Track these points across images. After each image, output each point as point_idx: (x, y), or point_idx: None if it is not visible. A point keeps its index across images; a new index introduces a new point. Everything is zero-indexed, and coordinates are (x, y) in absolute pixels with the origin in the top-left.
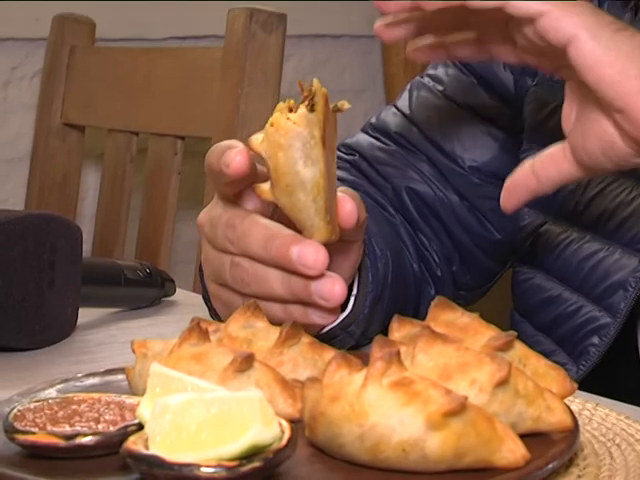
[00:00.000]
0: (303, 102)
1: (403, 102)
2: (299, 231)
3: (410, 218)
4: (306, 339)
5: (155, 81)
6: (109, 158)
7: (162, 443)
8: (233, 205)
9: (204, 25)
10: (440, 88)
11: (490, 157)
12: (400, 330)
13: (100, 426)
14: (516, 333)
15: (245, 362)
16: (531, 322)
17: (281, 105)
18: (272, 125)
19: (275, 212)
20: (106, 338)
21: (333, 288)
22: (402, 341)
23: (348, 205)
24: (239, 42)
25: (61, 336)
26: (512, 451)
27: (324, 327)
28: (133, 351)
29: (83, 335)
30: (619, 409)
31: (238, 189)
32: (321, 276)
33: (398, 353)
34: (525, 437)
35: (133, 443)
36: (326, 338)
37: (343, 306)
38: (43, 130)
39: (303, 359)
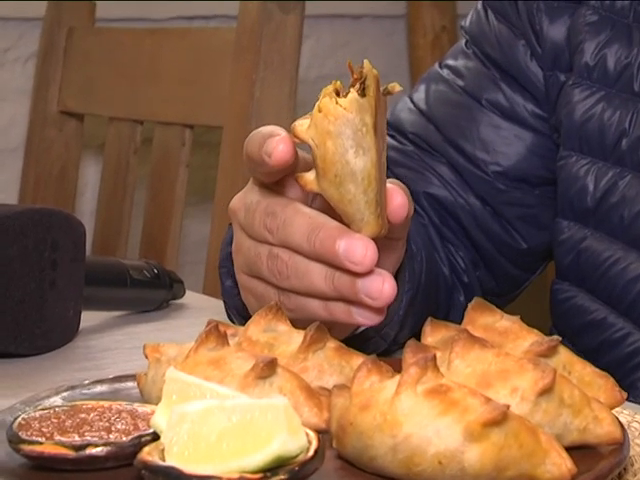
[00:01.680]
0: (353, 85)
1: (419, 95)
2: (346, 224)
3: (431, 223)
4: (332, 344)
5: (161, 65)
6: (110, 149)
7: (180, 454)
8: (272, 192)
9: (214, 4)
10: (460, 83)
11: (516, 160)
12: (434, 334)
13: (112, 436)
14: (560, 338)
15: (267, 368)
16: (573, 346)
17: (328, 88)
18: (320, 111)
19: (314, 202)
20: (111, 343)
21: (382, 286)
22: (436, 346)
23: (399, 198)
24: (254, 23)
25: (63, 341)
26: (557, 464)
27: (358, 328)
28: (145, 356)
29: (86, 340)
30: None
31: (278, 178)
32: (369, 273)
33: (434, 358)
34: (571, 450)
35: (148, 454)
36: (358, 341)
37: None
38: (38, 118)
39: (329, 365)
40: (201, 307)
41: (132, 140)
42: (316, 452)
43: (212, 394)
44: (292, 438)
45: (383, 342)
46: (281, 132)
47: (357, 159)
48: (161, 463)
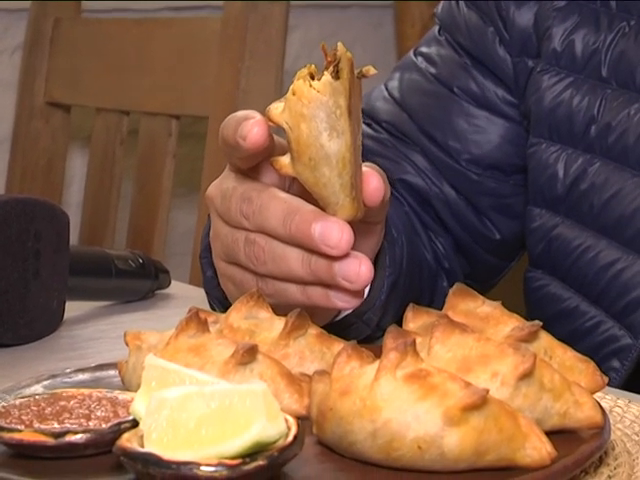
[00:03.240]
0: (327, 68)
1: (394, 84)
2: (321, 208)
3: (411, 209)
4: (313, 330)
5: (147, 55)
6: (97, 140)
7: (159, 440)
8: (248, 178)
9: None
10: (432, 71)
11: (489, 149)
12: (415, 320)
13: (91, 423)
14: (541, 323)
15: (248, 354)
16: None
17: (303, 71)
18: (294, 94)
19: (292, 187)
20: (95, 333)
21: (359, 269)
22: (417, 332)
23: (374, 181)
24: (239, 12)
25: (47, 331)
26: (537, 449)
27: (339, 314)
28: (126, 343)
29: (70, 330)
30: None
31: (254, 163)
32: (345, 256)
33: (413, 343)
34: (551, 434)
35: (127, 441)
36: (340, 327)
37: None
38: (25, 110)
39: (310, 351)
40: (187, 297)
41: (119, 131)
42: (295, 438)
43: (191, 380)
44: (271, 424)
45: (366, 327)
46: (255, 115)
47: (331, 142)
48: (140, 449)
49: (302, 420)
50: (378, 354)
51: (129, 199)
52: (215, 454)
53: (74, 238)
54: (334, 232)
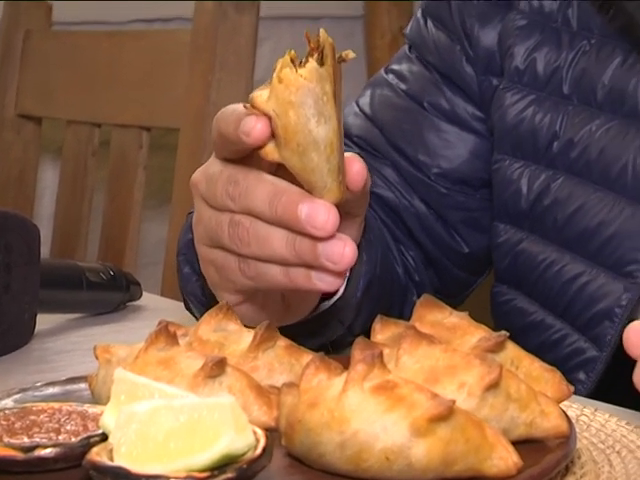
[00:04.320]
0: (311, 55)
1: (365, 100)
2: (307, 192)
3: (383, 222)
4: (282, 342)
5: (118, 68)
6: (68, 152)
7: (128, 454)
8: (234, 163)
9: (173, 6)
10: (403, 87)
11: (458, 163)
12: (383, 331)
13: (61, 437)
14: (508, 333)
15: (217, 367)
16: None
17: (285, 58)
18: (281, 82)
19: (277, 172)
20: (67, 346)
21: (343, 250)
22: (385, 343)
23: (357, 165)
24: (209, 23)
25: (18, 344)
26: (503, 458)
27: (317, 309)
28: (96, 357)
29: (42, 343)
30: (619, 415)
31: (246, 154)
32: (330, 237)
33: (381, 355)
34: (518, 444)
35: (97, 454)
36: (316, 326)
37: (334, 291)
38: None
39: (279, 364)
40: (158, 309)
41: (90, 143)
42: (264, 450)
43: (160, 394)
44: (239, 436)
45: (340, 326)
46: (252, 110)
47: (319, 127)
48: (109, 463)
49: (271, 432)
50: (346, 365)
51: (101, 210)
52: (184, 467)
53: (46, 249)
54: (320, 213)
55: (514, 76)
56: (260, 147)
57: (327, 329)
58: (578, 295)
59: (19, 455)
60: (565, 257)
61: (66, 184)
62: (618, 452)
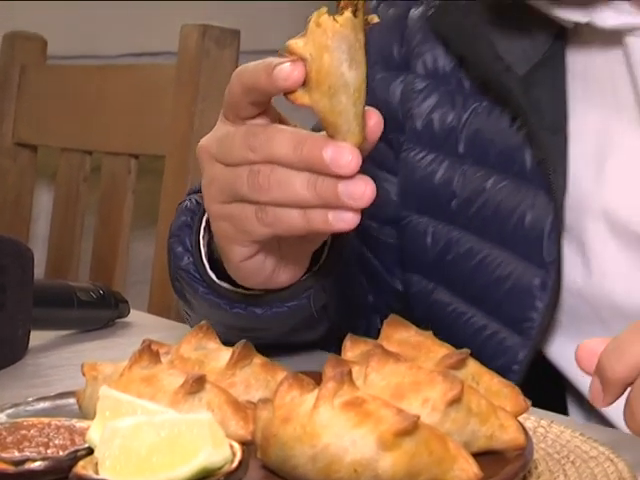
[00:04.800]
0: (345, 8)
1: None
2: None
3: None
4: (258, 360)
5: (108, 99)
6: (62, 177)
7: (112, 467)
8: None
9: (160, 41)
10: None
11: (386, 206)
12: (353, 349)
13: (50, 451)
14: (469, 351)
15: (196, 384)
16: None
17: (322, 9)
18: (319, 26)
19: None
20: (59, 361)
21: (365, 188)
22: (355, 360)
23: (375, 117)
24: (193, 58)
25: (12, 360)
26: (465, 470)
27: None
28: (83, 374)
29: (35, 358)
30: (574, 426)
31: (266, 107)
32: (352, 177)
33: (350, 373)
34: (479, 455)
35: (83, 468)
36: (299, 290)
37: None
38: None
39: (255, 380)
40: (145, 325)
41: (82, 169)
42: (240, 463)
43: (143, 410)
44: (216, 450)
45: (322, 294)
46: (280, 59)
47: (350, 72)
48: (94, 476)
49: (248, 445)
50: (318, 381)
51: (92, 232)
52: None
53: (41, 268)
54: (345, 154)
55: (414, 136)
56: (291, 92)
57: (313, 294)
58: (483, 348)
59: (10, 468)
60: (471, 309)
61: (60, 207)
62: (572, 462)
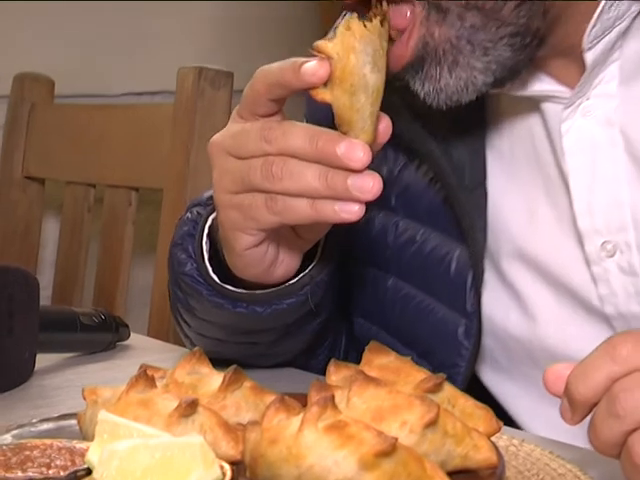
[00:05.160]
0: (374, 17)
1: None
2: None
3: None
4: (248, 383)
5: (110, 136)
6: (68, 208)
7: None
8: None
9: (158, 81)
10: None
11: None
12: (337, 374)
13: (51, 471)
14: (445, 375)
15: (189, 407)
16: None
17: (353, 15)
18: (348, 29)
19: None
20: (63, 382)
21: (372, 182)
22: (338, 384)
23: (385, 121)
24: (189, 98)
25: (19, 381)
26: None
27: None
28: (84, 398)
29: (41, 380)
30: (544, 444)
31: (282, 105)
32: (361, 172)
33: (332, 398)
34: (454, 474)
35: None
36: (297, 287)
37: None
38: (5, 182)
39: (245, 403)
40: (144, 348)
41: (86, 201)
42: None
43: (139, 433)
44: (207, 472)
45: (317, 289)
46: (318, 54)
47: (372, 74)
48: None
49: (237, 464)
50: (304, 403)
51: (95, 259)
52: None
53: (49, 291)
54: (357, 149)
55: None
56: (314, 87)
57: (309, 290)
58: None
59: None
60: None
61: (66, 236)
62: (542, 479)
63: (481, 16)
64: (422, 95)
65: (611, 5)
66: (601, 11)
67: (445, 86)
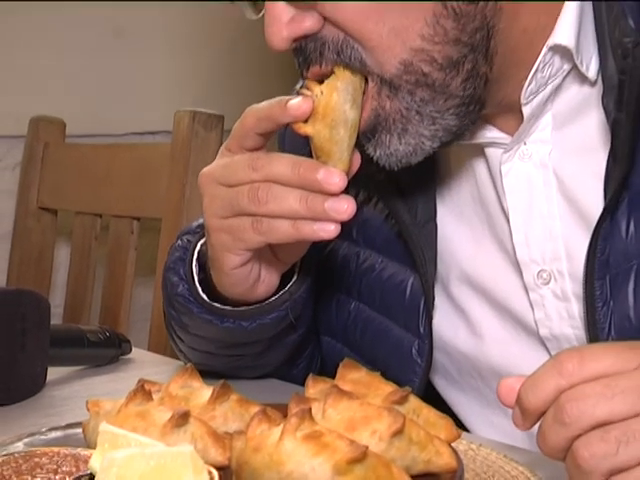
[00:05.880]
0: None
1: None
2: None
3: None
4: (235, 396)
5: (115, 171)
6: (77, 236)
7: None
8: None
9: (159, 122)
10: None
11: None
12: (315, 387)
13: (58, 477)
14: (410, 388)
15: (182, 418)
16: None
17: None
18: (333, 73)
19: None
20: (71, 393)
21: (347, 204)
22: (316, 397)
23: (357, 153)
24: (184, 139)
25: (31, 392)
26: None
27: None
28: (87, 410)
29: (51, 391)
30: (499, 448)
31: (268, 140)
32: (337, 195)
33: (310, 410)
34: (418, 477)
35: None
36: (278, 303)
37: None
38: (22, 212)
39: (232, 414)
40: (145, 361)
41: (93, 229)
42: None
43: (136, 443)
44: (197, 477)
45: (295, 305)
46: (304, 92)
47: (351, 110)
48: None
49: (225, 470)
50: (285, 413)
51: (102, 282)
52: None
53: (59, 311)
54: (334, 175)
55: None
56: (297, 121)
57: (289, 306)
58: None
59: None
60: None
61: (75, 261)
62: None
63: (430, 91)
64: (375, 158)
65: (544, 65)
66: (535, 71)
67: (395, 151)
